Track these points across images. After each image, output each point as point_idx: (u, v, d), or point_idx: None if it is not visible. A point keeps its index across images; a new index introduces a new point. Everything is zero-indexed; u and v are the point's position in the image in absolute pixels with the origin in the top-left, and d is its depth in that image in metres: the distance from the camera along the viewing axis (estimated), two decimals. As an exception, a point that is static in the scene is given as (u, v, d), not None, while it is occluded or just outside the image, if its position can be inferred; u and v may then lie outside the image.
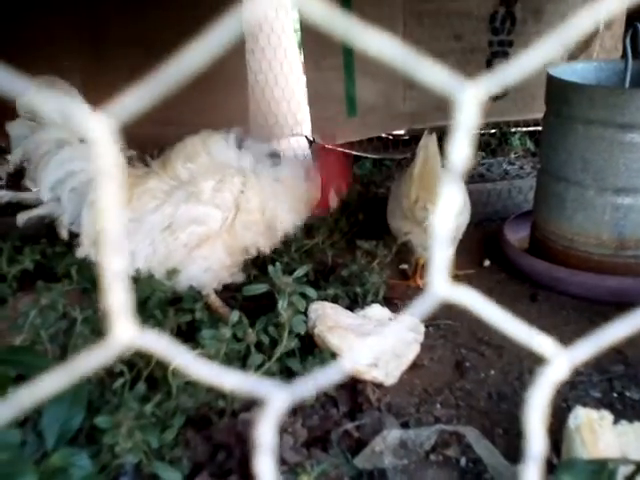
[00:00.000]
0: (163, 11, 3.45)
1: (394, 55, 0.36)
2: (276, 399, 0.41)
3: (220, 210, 2.17)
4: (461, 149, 0.37)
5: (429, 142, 2.23)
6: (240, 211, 2.20)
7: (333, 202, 2.26)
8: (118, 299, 0.37)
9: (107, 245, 0.37)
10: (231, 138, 2.30)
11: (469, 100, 0.36)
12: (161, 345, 0.39)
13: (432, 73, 0.37)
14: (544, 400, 0.43)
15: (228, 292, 2.40)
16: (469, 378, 2.10)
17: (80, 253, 2.20)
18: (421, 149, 2.26)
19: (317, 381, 0.44)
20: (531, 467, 0.44)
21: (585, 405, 1.72)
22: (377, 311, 2.24)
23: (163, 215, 2.17)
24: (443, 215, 0.38)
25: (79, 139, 2.16)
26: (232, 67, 3.52)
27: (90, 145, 0.35)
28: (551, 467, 1.58)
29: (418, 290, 2.64)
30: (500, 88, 0.39)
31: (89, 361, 0.39)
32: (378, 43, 0.36)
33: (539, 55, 0.35)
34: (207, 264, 2.21)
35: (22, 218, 2.22)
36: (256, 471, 0.42)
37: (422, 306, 0.41)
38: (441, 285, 0.40)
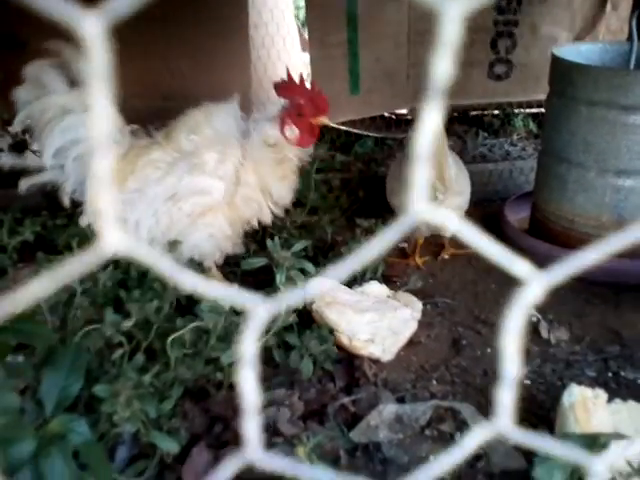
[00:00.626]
0: None
1: None
2: (259, 310, 0.42)
3: (223, 181, 2.17)
4: (443, 65, 0.37)
5: None
6: (240, 183, 2.20)
7: (322, 123, 2.20)
8: (106, 206, 0.38)
9: (97, 151, 0.37)
10: (232, 108, 2.29)
11: (453, 15, 0.36)
12: (143, 250, 0.39)
13: None
14: (519, 322, 0.44)
15: (227, 267, 2.41)
16: (465, 355, 2.12)
17: (84, 221, 2.21)
18: None
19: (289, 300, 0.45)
20: (505, 388, 0.45)
21: (580, 384, 1.74)
22: (375, 288, 2.25)
23: (166, 186, 2.17)
24: (423, 133, 0.39)
25: (84, 107, 2.15)
26: (235, 42, 3.50)
27: (83, 44, 0.35)
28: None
29: (417, 268, 2.64)
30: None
31: (79, 264, 0.39)
32: None
33: None
34: (210, 231, 2.22)
35: (25, 184, 2.23)
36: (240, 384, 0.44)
37: (401, 227, 0.41)
38: (420, 205, 0.40)
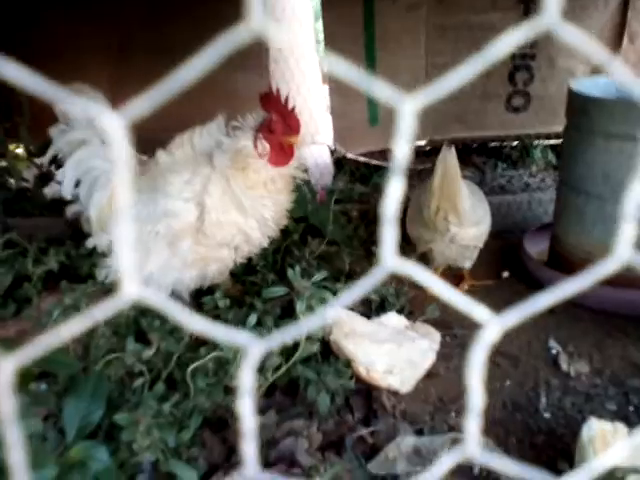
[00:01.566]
0: (188, 20, 3.52)
1: (350, 74, 0.43)
2: (253, 349, 0.47)
3: (190, 203, 2.10)
4: (402, 151, 0.44)
5: (448, 155, 2.26)
6: (207, 206, 2.11)
7: (294, 142, 2.10)
8: (126, 259, 0.44)
9: (118, 215, 0.43)
10: (216, 126, 2.21)
11: (408, 111, 0.43)
12: (161, 300, 0.45)
13: (380, 88, 0.44)
14: (481, 359, 0.50)
15: (247, 296, 2.43)
16: (484, 388, 2.10)
17: (89, 244, 2.26)
18: (441, 161, 2.29)
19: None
20: (471, 420, 0.50)
21: (600, 417, 1.72)
22: (393, 319, 2.26)
23: (143, 211, 2.13)
24: (388, 199, 0.45)
25: (101, 139, 2.22)
26: (255, 76, 3.58)
27: (106, 140, 0.41)
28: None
29: (435, 299, 2.65)
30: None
31: (101, 312, 0.45)
32: (343, 67, 0.43)
33: (462, 74, 0.41)
34: (179, 257, 2.15)
35: (70, 211, 2.30)
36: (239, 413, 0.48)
37: (372, 280, 0.47)
38: (390, 259, 0.46)
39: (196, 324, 0.47)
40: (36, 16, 3.57)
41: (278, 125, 2.08)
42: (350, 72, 0.42)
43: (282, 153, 2.12)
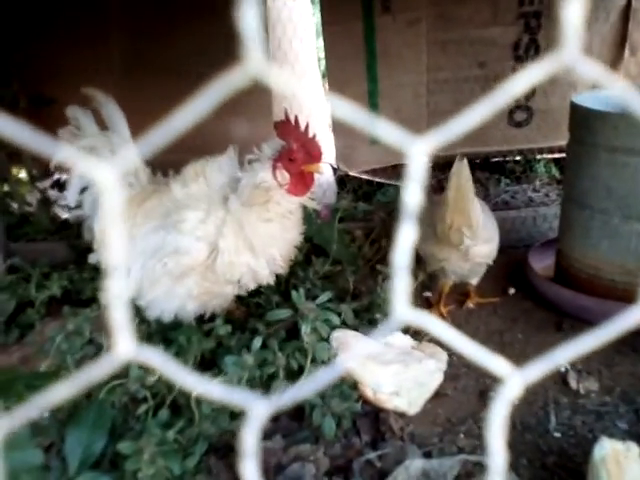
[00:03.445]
0: (194, 39, 3.53)
1: (355, 118, 0.42)
2: (257, 409, 0.45)
3: (202, 242, 2.06)
4: (414, 195, 0.42)
5: (462, 168, 2.25)
6: (220, 248, 2.07)
7: (316, 171, 2.05)
8: (119, 317, 0.42)
9: (109, 269, 0.41)
10: (227, 161, 2.19)
11: (417, 154, 0.42)
12: (158, 361, 0.44)
13: (387, 131, 0.43)
14: (502, 417, 0.46)
15: (251, 318, 2.41)
16: (491, 410, 2.08)
17: (92, 259, 2.23)
18: (454, 175, 2.27)
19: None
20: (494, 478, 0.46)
21: (611, 436, 1.69)
22: (399, 339, 2.23)
23: (153, 241, 2.11)
24: (399, 248, 0.43)
25: (110, 149, 2.20)
26: (257, 94, 3.57)
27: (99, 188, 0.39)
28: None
29: (441, 317, 2.62)
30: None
31: (92, 374, 0.44)
32: (344, 109, 0.42)
33: (480, 112, 0.39)
34: (188, 294, 2.12)
35: (74, 215, 2.31)
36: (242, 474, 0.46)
37: (386, 330, 0.46)
38: (403, 310, 0.44)
39: (196, 385, 0.46)
40: (36, 37, 3.59)
41: (299, 153, 2.03)
42: (354, 114, 0.40)
43: (302, 182, 2.08)
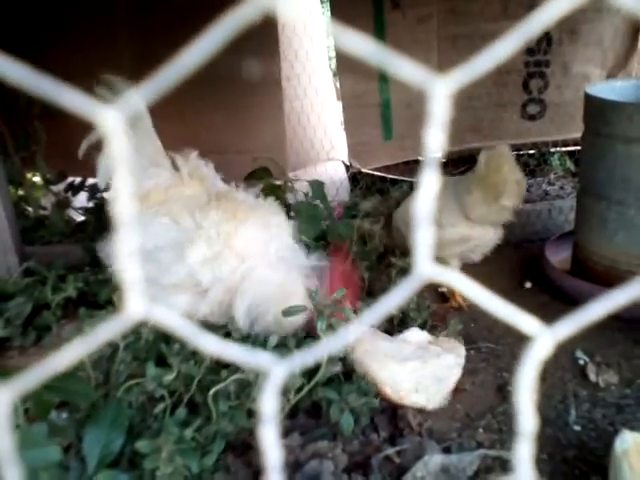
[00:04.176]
0: (191, 20, 3.52)
1: (371, 52, 0.39)
2: (276, 370, 0.44)
3: (193, 279, 2.08)
4: (436, 139, 0.40)
5: (504, 151, 2.47)
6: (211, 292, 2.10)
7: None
8: (131, 276, 0.40)
9: (121, 226, 0.40)
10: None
11: (440, 93, 0.40)
12: (169, 319, 0.42)
13: (407, 68, 0.40)
14: (531, 377, 0.44)
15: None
16: (512, 402, 2.06)
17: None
18: (499, 158, 2.47)
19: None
20: (522, 446, 0.45)
21: (632, 429, 1.67)
22: (416, 334, 2.22)
23: (160, 233, 2.12)
24: (422, 199, 0.41)
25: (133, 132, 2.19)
26: (268, 95, 3.57)
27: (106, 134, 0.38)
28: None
29: (458, 309, 2.61)
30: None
31: (104, 333, 0.43)
32: (356, 42, 0.38)
33: (505, 48, 0.37)
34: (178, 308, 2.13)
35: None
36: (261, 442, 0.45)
37: (408, 288, 0.42)
38: (425, 265, 0.42)
39: (213, 346, 0.43)
40: (46, 42, 3.60)
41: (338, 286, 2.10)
42: (364, 47, 0.38)
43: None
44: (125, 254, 0.40)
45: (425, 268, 0.42)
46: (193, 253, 2.06)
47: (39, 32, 3.56)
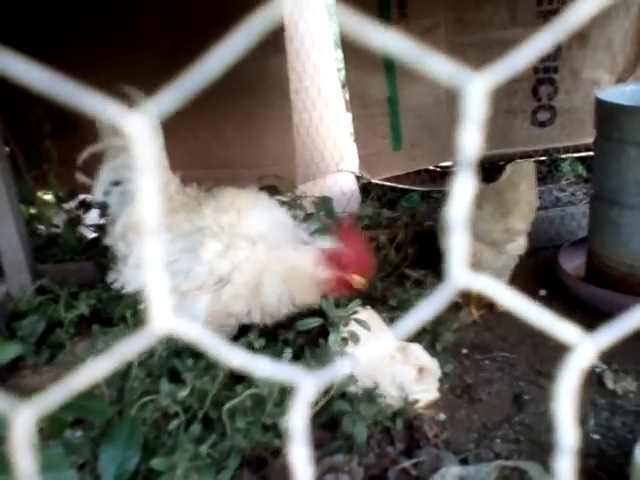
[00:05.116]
0: (208, 30, 3.52)
1: (401, 49, 0.37)
2: (306, 384, 0.42)
3: (214, 275, 2.08)
4: (471, 139, 0.38)
5: (528, 169, 2.39)
6: (232, 281, 2.09)
7: (358, 284, 2.06)
8: (155, 285, 0.39)
9: (145, 232, 0.38)
10: (268, 205, 2.25)
11: (476, 91, 0.38)
12: (194, 333, 0.40)
13: (440, 66, 0.38)
14: (572, 390, 0.42)
15: (282, 329, 2.38)
16: (528, 411, 2.04)
17: (107, 241, 2.28)
18: (519, 176, 2.39)
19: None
20: (564, 461, 0.42)
21: (653, 437, 1.65)
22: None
23: (169, 249, 2.11)
24: (456, 203, 0.39)
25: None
26: (277, 108, 3.58)
27: (130, 140, 0.37)
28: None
29: (473, 322, 2.58)
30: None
31: (132, 346, 0.41)
32: (383, 38, 0.37)
33: (540, 44, 0.36)
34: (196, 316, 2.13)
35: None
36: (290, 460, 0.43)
37: (442, 297, 0.40)
38: (459, 273, 0.40)
39: (237, 359, 0.42)
40: (59, 55, 3.59)
41: (351, 264, 2.05)
42: (392, 44, 0.37)
43: (341, 285, 2.09)
44: (149, 262, 0.39)
45: (459, 276, 0.40)
46: (206, 251, 2.07)
47: (56, 38, 3.55)
